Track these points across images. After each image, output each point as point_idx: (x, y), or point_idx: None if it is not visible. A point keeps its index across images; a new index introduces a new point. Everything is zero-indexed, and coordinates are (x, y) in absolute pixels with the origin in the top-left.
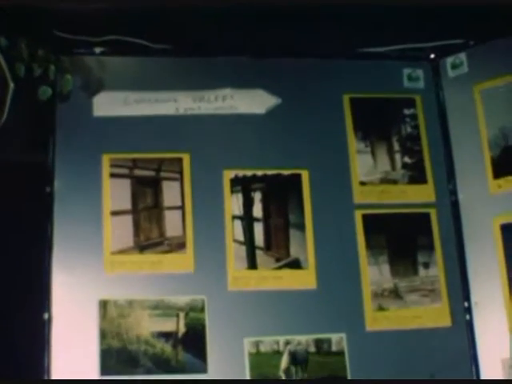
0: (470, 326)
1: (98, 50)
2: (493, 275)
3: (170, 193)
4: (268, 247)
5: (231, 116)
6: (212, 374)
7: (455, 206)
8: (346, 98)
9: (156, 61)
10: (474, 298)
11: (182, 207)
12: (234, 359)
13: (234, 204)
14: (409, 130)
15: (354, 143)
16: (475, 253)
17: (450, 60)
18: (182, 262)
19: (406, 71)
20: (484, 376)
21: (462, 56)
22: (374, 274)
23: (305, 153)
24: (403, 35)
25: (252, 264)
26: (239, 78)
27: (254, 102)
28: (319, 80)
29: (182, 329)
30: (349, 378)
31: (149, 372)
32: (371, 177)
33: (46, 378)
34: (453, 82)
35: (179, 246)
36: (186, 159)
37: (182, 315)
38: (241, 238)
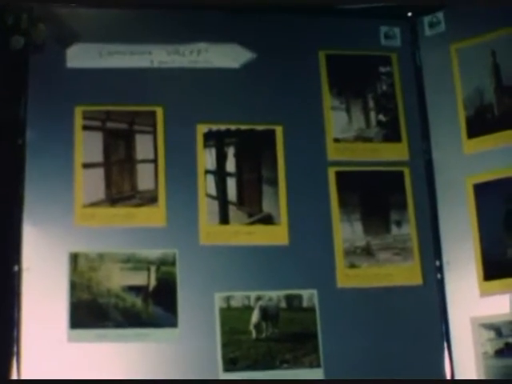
0: (440, 285)
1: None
2: (465, 235)
3: (143, 146)
4: (241, 202)
5: (206, 70)
6: (182, 328)
7: (429, 165)
8: (321, 55)
9: (131, 13)
10: (445, 257)
11: (154, 161)
12: (204, 314)
13: (207, 158)
14: (384, 88)
15: (328, 100)
16: (448, 212)
17: (427, 19)
18: (153, 216)
19: (383, 29)
20: (453, 335)
21: (440, 15)
22: (346, 231)
23: (279, 108)
24: None
25: (224, 219)
26: (214, 32)
27: (229, 57)
28: (295, 36)
29: (153, 282)
30: (319, 333)
31: (119, 325)
32: (345, 134)
33: (15, 330)
34: (430, 41)
35: (151, 199)
36: (160, 112)
37: (153, 269)
38: (213, 192)
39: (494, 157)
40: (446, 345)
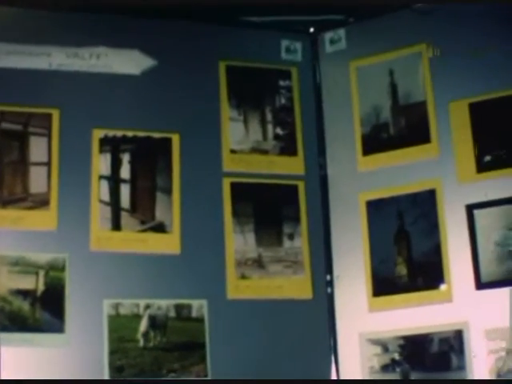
0: (330, 299)
1: None
2: (356, 250)
3: (37, 148)
4: (134, 209)
5: (105, 75)
6: (70, 334)
7: (323, 180)
8: (222, 65)
9: (31, 13)
10: (336, 271)
11: (48, 164)
12: (92, 320)
13: (101, 164)
14: (283, 101)
15: (226, 110)
16: (340, 227)
17: (328, 35)
18: (44, 219)
19: (285, 43)
20: (341, 349)
21: (341, 32)
22: (238, 242)
23: (177, 117)
24: (283, 7)
25: (116, 225)
26: (115, 36)
27: (129, 62)
28: (196, 45)
29: (41, 287)
30: (207, 344)
31: (5, 329)
32: (242, 145)
33: None
34: (330, 57)
35: (43, 202)
36: (56, 115)
37: (41, 273)
38: (107, 198)
39: (388, 175)
40: (333, 358)
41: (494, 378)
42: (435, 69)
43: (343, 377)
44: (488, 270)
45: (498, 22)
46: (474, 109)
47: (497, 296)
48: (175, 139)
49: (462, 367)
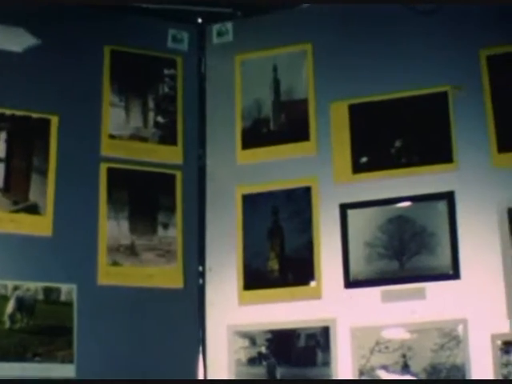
0: (201, 290)
1: None
2: (230, 243)
3: None
4: (7, 189)
5: None
6: None
7: (202, 171)
8: (106, 50)
9: None
10: (208, 263)
11: None
12: None
13: None
14: (166, 90)
15: (108, 95)
16: (216, 219)
17: (216, 27)
18: None
19: (172, 32)
20: (209, 341)
21: (229, 25)
22: (112, 228)
23: (58, 98)
24: None
25: None
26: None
27: (13, 39)
28: (83, 28)
29: None
30: (75, 329)
31: None
32: (121, 131)
33: None
34: (216, 49)
35: None
36: None
37: None
38: None
39: (266, 170)
40: (201, 349)
41: (357, 375)
42: (319, 68)
43: (210, 368)
44: (357, 269)
45: (384, 25)
46: (354, 110)
47: (364, 295)
48: (54, 121)
49: (327, 363)
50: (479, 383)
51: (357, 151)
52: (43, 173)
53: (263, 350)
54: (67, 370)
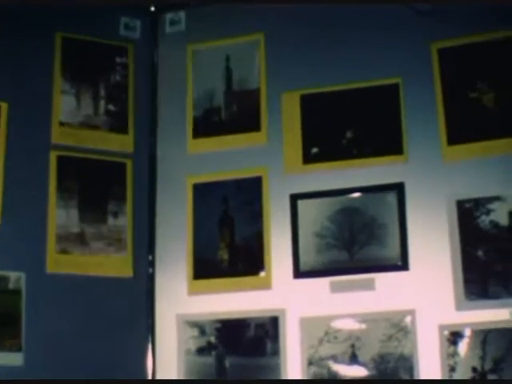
0: (151, 279)
1: None
2: (180, 232)
3: None
4: None
5: None
6: None
7: (152, 159)
8: (58, 37)
9: None
10: (158, 252)
11: None
12: None
13: None
14: (118, 78)
15: (59, 83)
16: (166, 208)
17: (169, 16)
18: None
19: (124, 20)
20: (158, 330)
21: (181, 14)
22: (61, 216)
23: (7, 85)
24: None
25: None
26: None
27: None
28: (34, 14)
29: None
30: (23, 317)
31: None
32: (72, 119)
33: None
34: (169, 38)
35: None
36: None
37: None
38: None
39: (216, 159)
40: (150, 339)
41: (306, 365)
42: (271, 59)
43: (159, 357)
44: (307, 259)
45: (337, 16)
46: (306, 101)
47: (313, 285)
48: (3, 107)
49: (275, 353)
50: (479, 383)
51: (308, 142)
52: None
53: (212, 339)
54: (15, 358)
